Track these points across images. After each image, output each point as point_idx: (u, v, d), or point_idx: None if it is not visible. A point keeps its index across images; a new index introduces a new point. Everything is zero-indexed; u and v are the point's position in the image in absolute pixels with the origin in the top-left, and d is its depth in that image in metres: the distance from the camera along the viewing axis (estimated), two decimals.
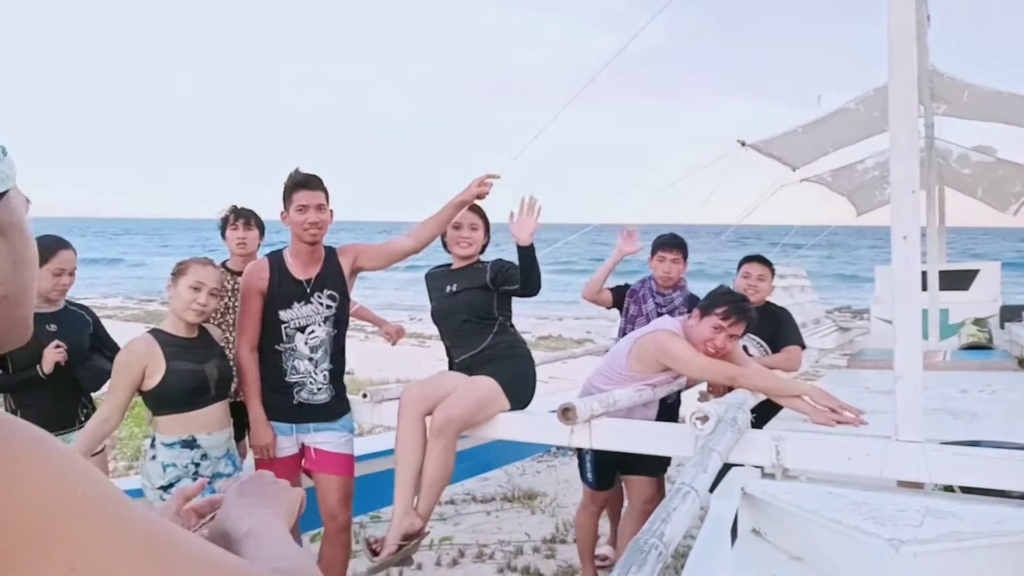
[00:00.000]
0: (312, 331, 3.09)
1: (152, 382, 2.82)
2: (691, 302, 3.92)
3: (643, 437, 2.81)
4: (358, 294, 3.57)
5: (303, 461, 3.18)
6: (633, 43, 3.57)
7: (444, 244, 3.34)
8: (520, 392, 3.12)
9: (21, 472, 0.48)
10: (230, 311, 3.50)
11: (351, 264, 3.20)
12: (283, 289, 3.08)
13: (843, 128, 6.33)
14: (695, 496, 1.73)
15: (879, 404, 2.99)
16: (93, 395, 3.33)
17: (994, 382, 3.98)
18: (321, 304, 3.10)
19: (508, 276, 3.16)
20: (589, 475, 3.59)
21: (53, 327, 3.12)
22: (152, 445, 2.90)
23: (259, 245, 3.80)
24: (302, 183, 3.02)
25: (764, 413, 2.94)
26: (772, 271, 4.02)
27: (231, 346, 3.28)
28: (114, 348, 3.27)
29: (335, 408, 3.17)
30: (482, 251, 3.34)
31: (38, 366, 3.24)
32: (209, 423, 2.91)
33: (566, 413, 2.70)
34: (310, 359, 3.09)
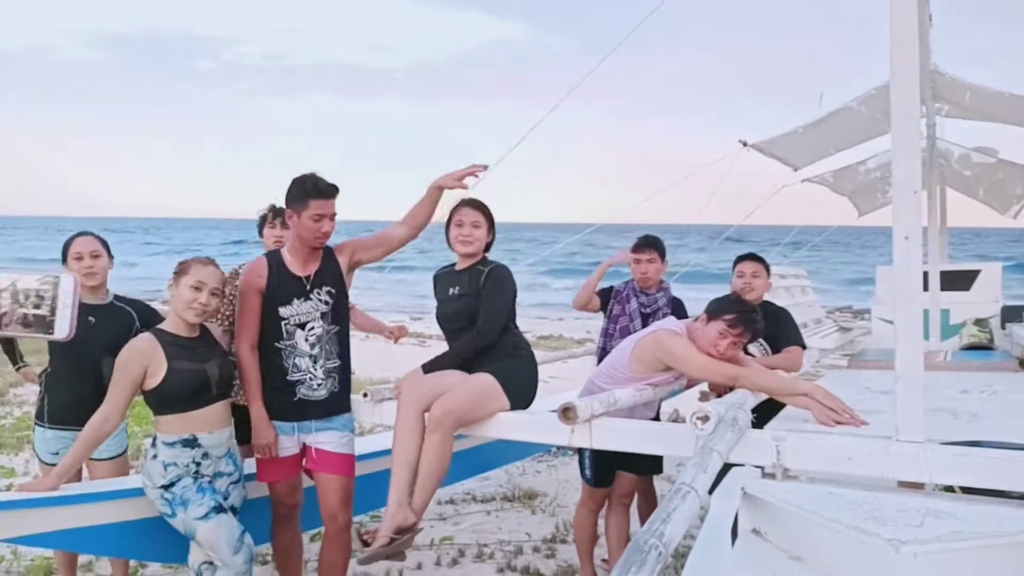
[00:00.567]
0: (312, 327, 3.10)
1: (153, 381, 2.82)
2: (674, 304, 3.93)
3: (644, 437, 2.81)
4: (355, 293, 3.57)
5: (304, 461, 3.18)
6: (631, 39, 3.56)
7: (449, 243, 3.32)
8: (520, 392, 3.11)
9: None
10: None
11: (348, 260, 3.22)
12: (283, 286, 3.08)
13: (845, 129, 6.33)
14: (695, 496, 1.73)
15: (880, 404, 2.98)
16: None
17: (995, 383, 3.98)
18: (320, 300, 3.11)
19: (484, 300, 3.15)
20: (588, 472, 3.60)
21: (92, 319, 3.20)
22: (153, 444, 2.90)
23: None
24: (323, 192, 3.03)
25: (765, 413, 2.94)
26: (767, 268, 4.01)
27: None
28: None
29: (335, 405, 3.16)
30: (487, 248, 3.33)
31: (19, 360, 3.29)
32: (210, 422, 2.91)
33: (567, 413, 2.70)
34: (310, 356, 3.09)
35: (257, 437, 3.08)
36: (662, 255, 3.95)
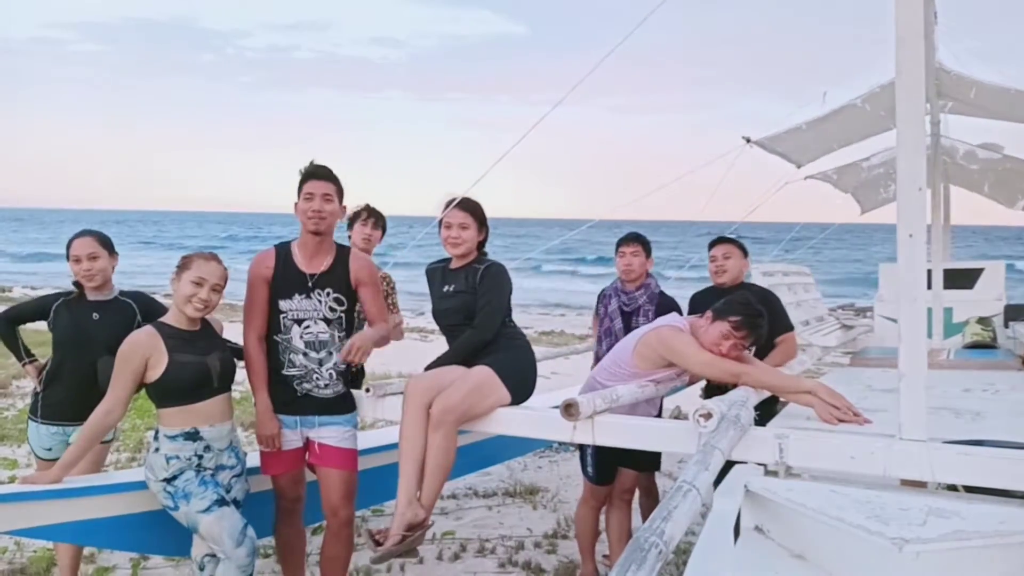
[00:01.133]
0: (308, 326, 3.09)
1: (155, 374, 2.82)
2: (659, 299, 3.89)
3: (646, 434, 2.80)
4: None
5: (307, 455, 3.18)
6: (636, 36, 3.54)
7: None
8: (519, 381, 3.11)
9: None
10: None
11: (357, 279, 3.17)
12: (286, 279, 3.09)
13: (848, 126, 6.30)
14: (696, 494, 1.73)
15: (882, 403, 2.98)
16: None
17: (998, 381, 3.97)
18: (320, 302, 3.09)
19: (480, 297, 3.15)
20: (589, 469, 3.61)
21: (96, 315, 3.25)
22: (155, 437, 2.91)
23: (378, 242, 4.17)
24: (312, 173, 3.09)
25: (767, 411, 2.93)
26: (743, 250, 4.00)
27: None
28: None
29: (339, 404, 3.17)
30: (481, 247, 3.32)
31: (25, 355, 3.32)
32: (212, 415, 2.91)
33: (568, 409, 2.70)
34: (304, 354, 3.09)
35: (261, 428, 3.08)
36: (647, 250, 3.94)
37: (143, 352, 2.82)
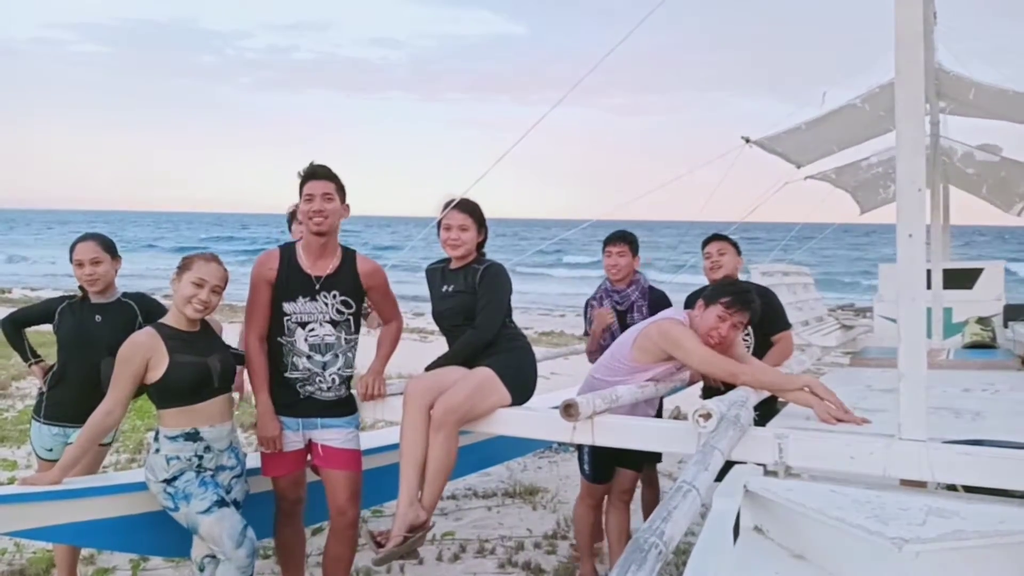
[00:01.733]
0: (312, 329, 3.08)
1: (155, 375, 2.82)
2: (651, 294, 3.95)
3: (645, 434, 2.80)
4: None
5: (309, 457, 3.18)
6: (635, 37, 3.54)
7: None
8: (519, 382, 3.11)
9: None
10: None
11: (368, 284, 3.18)
12: (290, 281, 3.07)
13: (848, 126, 6.31)
14: (696, 494, 1.73)
15: (882, 402, 2.98)
16: None
17: (997, 381, 3.97)
18: (327, 305, 3.08)
19: (480, 298, 3.16)
20: (587, 467, 3.61)
21: (99, 318, 3.27)
22: (156, 438, 2.91)
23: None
24: (311, 174, 3.07)
25: (767, 411, 2.93)
26: (735, 247, 4.02)
27: None
28: None
29: (341, 407, 3.17)
30: (480, 247, 3.33)
31: (31, 356, 3.34)
32: (212, 416, 2.91)
33: (568, 409, 2.70)
34: (308, 357, 3.08)
35: (262, 429, 3.08)
36: (634, 249, 3.98)
37: (143, 353, 2.82)
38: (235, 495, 2.98)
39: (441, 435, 2.88)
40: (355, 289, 3.14)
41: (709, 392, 3.50)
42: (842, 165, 7.51)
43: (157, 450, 2.86)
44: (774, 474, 2.39)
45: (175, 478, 2.82)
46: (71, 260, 3.26)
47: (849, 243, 52.00)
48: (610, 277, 4.00)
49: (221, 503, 2.82)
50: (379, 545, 2.80)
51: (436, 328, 3.41)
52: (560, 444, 4.57)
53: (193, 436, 2.86)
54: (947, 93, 5.84)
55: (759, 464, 2.40)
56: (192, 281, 2.86)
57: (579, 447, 3.65)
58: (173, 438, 2.85)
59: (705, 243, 4.09)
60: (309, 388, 3.10)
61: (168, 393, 2.85)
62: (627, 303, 3.92)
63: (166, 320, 2.95)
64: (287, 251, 3.13)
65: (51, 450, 3.23)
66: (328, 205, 3.03)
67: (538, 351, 3.55)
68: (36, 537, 2.93)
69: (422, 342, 11.88)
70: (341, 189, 3.11)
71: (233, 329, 3.37)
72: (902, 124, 2.37)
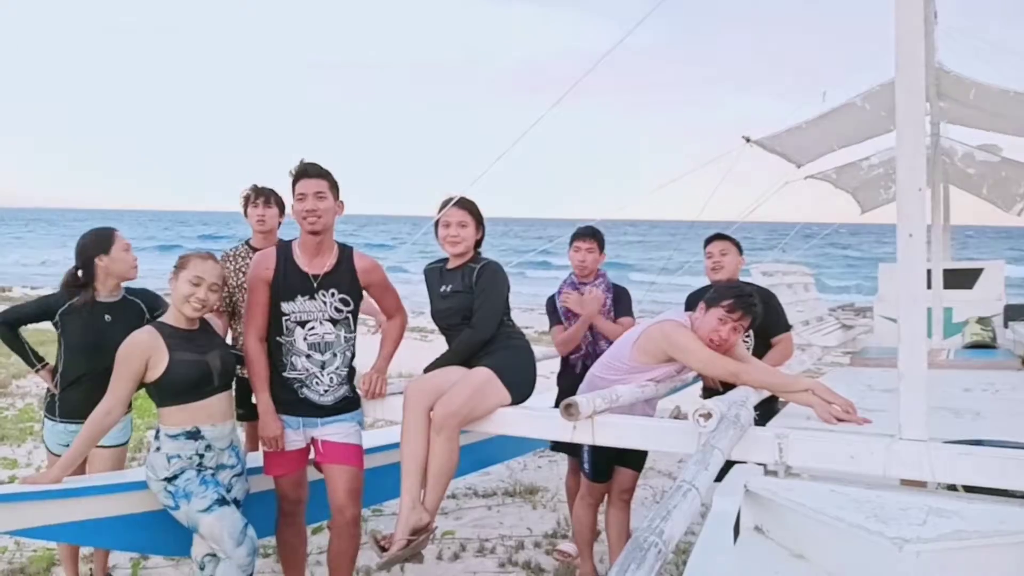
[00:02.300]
0: (312, 328, 3.07)
1: (155, 373, 2.82)
2: (615, 289, 3.98)
3: (645, 434, 2.81)
4: None
5: (311, 455, 3.17)
6: (635, 37, 3.54)
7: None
8: (518, 381, 3.11)
9: None
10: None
11: (367, 282, 3.18)
12: (288, 281, 3.06)
13: (849, 125, 6.30)
14: (696, 494, 1.73)
15: (882, 402, 2.98)
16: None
17: (997, 381, 3.97)
18: (326, 303, 3.07)
19: (477, 298, 3.16)
20: (586, 466, 3.61)
21: (108, 317, 3.25)
22: (156, 437, 2.91)
23: (279, 223, 3.99)
24: (301, 172, 3.05)
25: (767, 411, 2.93)
26: (738, 247, 4.02)
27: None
28: None
29: (344, 406, 3.17)
30: (478, 245, 3.33)
31: (36, 360, 3.31)
32: (213, 414, 2.91)
33: (568, 409, 2.70)
34: (308, 356, 3.08)
35: (264, 429, 3.07)
36: (601, 246, 4.02)
37: (143, 352, 2.82)
38: (235, 494, 2.98)
39: (442, 437, 2.88)
40: (353, 286, 3.13)
41: (709, 393, 3.50)
42: (842, 165, 7.50)
43: (158, 448, 2.86)
44: (774, 474, 2.39)
45: (176, 476, 2.82)
46: (108, 250, 3.24)
47: (850, 242, 51.96)
48: (576, 272, 4.03)
49: (222, 502, 2.82)
50: (383, 549, 2.80)
51: (436, 327, 3.41)
52: (552, 448, 4.56)
53: (194, 434, 2.86)
54: (947, 93, 5.83)
55: (759, 464, 2.41)
56: (189, 280, 2.86)
57: (579, 447, 3.65)
58: (174, 436, 2.85)
59: (707, 242, 4.08)
60: (306, 391, 3.09)
61: (168, 391, 2.85)
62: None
63: (165, 319, 2.95)
64: (284, 250, 3.12)
65: (66, 446, 3.20)
66: (321, 204, 3.01)
67: (538, 350, 3.55)
68: (37, 536, 2.93)
69: (423, 341, 11.87)
70: (334, 186, 3.08)
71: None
72: (902, 123, 2.37)
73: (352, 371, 3.20)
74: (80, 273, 3.26)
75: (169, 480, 2.82)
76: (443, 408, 2.89)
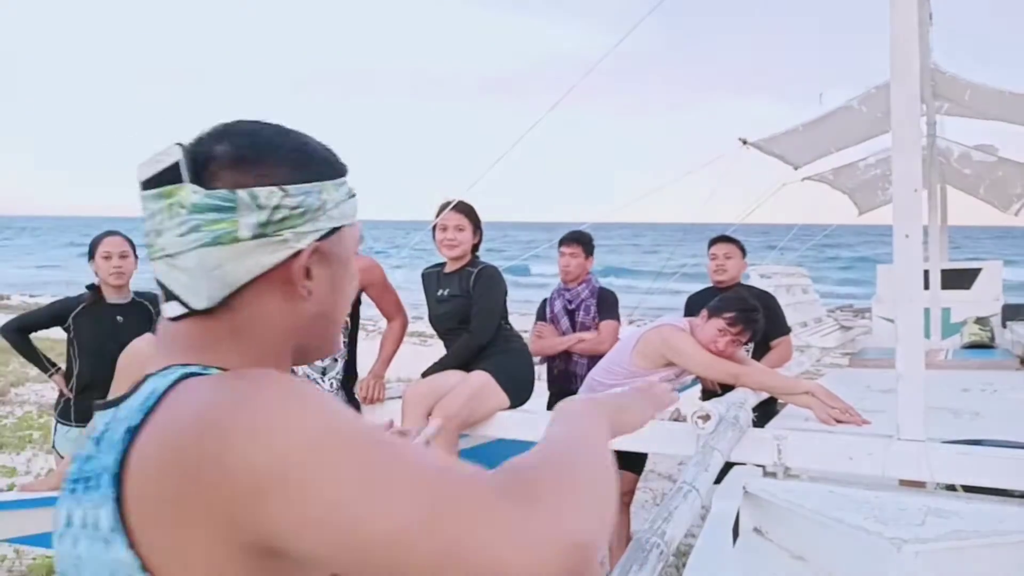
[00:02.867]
0: None
1: None
2: (599, 295, 3.93)
3: (645, 436, 2.80)
4: None
5: None
6: (631, 41, 3.55)
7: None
8: (516, 384, 3.11)
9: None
10: None
11: (365, 281, 3.14)
12: None
13: (845, 127, 6.32)
14: (696, 495, 1.74)
15: (881, 403, 2.98)
16: None
17: (996, 381, 3.98)
18: None
19: (475, 302, 3.16)
20: None
21: (121, 319, 3.27)
22: None
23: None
24: None
25: (766, 412, 2.94)
26: (742, 250, 4.02)
27: None
28: None
29: None
30: (476, 249, 3.33)
31: (49, 366, 3.32)
32: None
33: None
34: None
35: None
36: (588, 250, 3.96)
37: (143, 361, 2.81)
38: None
39: (442, 442, 2.88)
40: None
41: (707, 395, 3.51)
42: (840, 166, 7.51)
43: None
44: (773, 475, 2.39)
45: None
46: (93, 256, 3.25)
47: (848, 244, 52.01)
48: (561, 277, 4.01)
49: None
50: None
51: (434, 331, 3.41)
52: None
53: None
54: (943, 93, 5.84)
55: (758, 465, 2.41)
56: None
57: None
58: None
59: (711, 243, 4.07)
60: None
61: None
62: (577, 301, 3.93)
63: None
64: None
65: None
66: None
67: None
68: (36, 544, 2.92)
69: (422, 345, 11.86)
70: None
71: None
72: (898, 125, 2.37)
73: (355, 377, 3.19)
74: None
75: None
76: (442, 412, 2.89)
